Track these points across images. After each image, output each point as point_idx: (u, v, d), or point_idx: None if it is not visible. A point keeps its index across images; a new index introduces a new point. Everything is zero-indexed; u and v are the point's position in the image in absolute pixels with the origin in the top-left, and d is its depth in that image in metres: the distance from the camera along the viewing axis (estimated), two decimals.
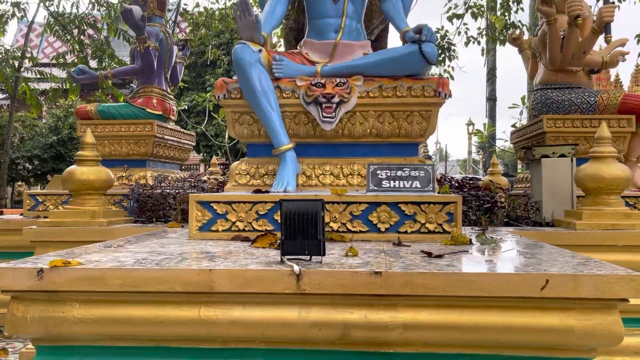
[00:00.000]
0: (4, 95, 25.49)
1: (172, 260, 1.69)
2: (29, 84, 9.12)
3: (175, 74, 4.79)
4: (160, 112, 4.44)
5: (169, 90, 4.62)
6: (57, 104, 24.73)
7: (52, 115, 23.87)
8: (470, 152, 24.10)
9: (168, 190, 3.89)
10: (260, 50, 2.62)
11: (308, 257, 1.66)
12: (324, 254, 1.63)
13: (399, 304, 1.52)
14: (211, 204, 2.33)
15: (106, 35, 9.96)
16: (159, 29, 4.45)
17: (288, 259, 1.64)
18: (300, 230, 1.61)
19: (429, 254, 1.78)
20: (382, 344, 1.54)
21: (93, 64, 10.22)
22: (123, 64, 9.81)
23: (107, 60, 9.85)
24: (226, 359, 1.60)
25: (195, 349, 1.61)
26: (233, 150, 14.83)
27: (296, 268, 1.51)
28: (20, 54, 8.81)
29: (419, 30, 2.58)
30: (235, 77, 2.70)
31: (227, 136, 10.16)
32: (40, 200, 4.18)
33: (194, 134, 5.15)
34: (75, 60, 9.97)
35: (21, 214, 4.31)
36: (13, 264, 1.61)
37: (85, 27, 9.59)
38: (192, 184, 3.88)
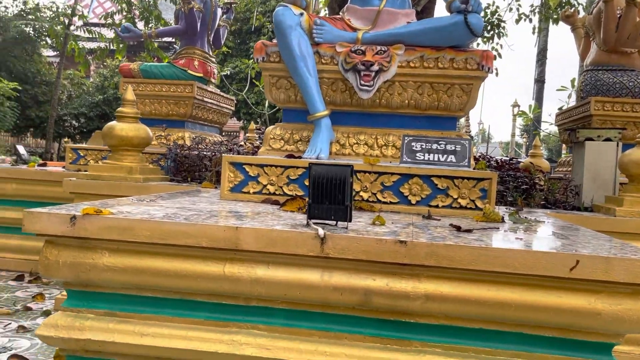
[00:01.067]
0: (55, 53, 26.17)
1: (200, 217, 1.72)
2: (78, 42, 9.32)
3: (218, 37, 4.80)
4: (201, 74, 4.46)
5: (211, 53, 4.64)
6: (104, 63, 25.26)
7: (99, 74, 24.39)
8: (513, 135, 23.49)
9: (205, 152, 3.94)
10: (301, 14, 2.58)
11: (334, 223, 1.65)
12: (350, 220, 1.62)
13: (422, 275, 1.51)
14: (243, 166, 2.35)
15: None
16: None
17: (314, 223, 1.64)
18: (328, 194, 1.60)
19: (458, 228, 1.75)
20: (402, 313, 1.54)
21: (140, 24, 10.33)
22: (169, 25, 9.89)
23: (153, 21, 9.94)
24: (247, 316, 1.63)
25: (218, 304, 1.64)
26: (273, 119, 14.87)
27: (321, 231, 1.51)
28: (70, 12, 8.97)
29: (466, 0, 2.49)
30: (275, 41, 2.68)
31: (267, 104, 10.17)
32: (81, 154, 4.30)
33: (234, 98, 5.17)
34: (124, 20, 10.11)
35: (63, 167, 4.45)
36: (48, 210, 1.66)
37: None
38: (229, 147, 3.91)
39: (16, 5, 23.47)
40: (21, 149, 4.97)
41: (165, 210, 1.82)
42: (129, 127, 3.23)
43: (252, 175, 2.34)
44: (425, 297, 1.49)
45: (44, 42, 22.84)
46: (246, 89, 11.36)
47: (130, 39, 4.51)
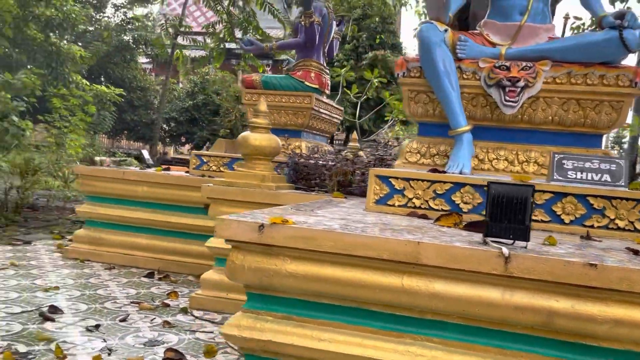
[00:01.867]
0: (147, 60, 27.59)
1: (374, 229, 1.79)
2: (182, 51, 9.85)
3: (331, 49, 4.93)
4: (317, 86, 4.60)
5: (325, 65, 4.77)
6: (195, 70, 26.40)
7: (189, 81, 25.52)
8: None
9: (321, 162, 4.06)
10: (445, 30, 2.62)
11: (510, 242, 1.67)
12: (528, 240, 1.63)
13: (610, 299, 1.49)
14: (389, 179, 2.41)
15: (252, 8, 10.41)
16: (322, 4, 4.59)
17: (492, 241, 1.66)
18: (507, 214, 1.62)
19: (635, 252, 1.72)
20: (586, 337, 1.53)
21: (238, 34, 10.76)
22: (266, 36, 10.22)
23: (252, 31, 10.32)
24: (421, 328, 1.68)
25: (392, 314, 1.70)
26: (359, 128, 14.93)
27: (505, 250, 1.54)
28: (178, 22, 9.50)
29: (621, 15, 2.43)
30: (414, 56, 2.73)
31: (357, 114, 10.25)
32: (204, 160, 4.55)
33: (342, 108, 5.28)
34: (223, 30, 10.58)
35: (187, 172, 4.72)
36: (236, 217, 1.79)
37: None
38: (347, 158, 4.00)
39: (117, 16, 25.09)
40: (145, 154, 5.32)
41: (335, 222, 1.91)
42: (262, 137, 3.39)
43: (398, 188, 2.40)
44: (614, 321, 1.47)
45: (141, 50, 24.22)
46: (337, 97, 11.45)
47: (252, 51, 4.73)
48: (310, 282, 1.72)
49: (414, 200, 2.37)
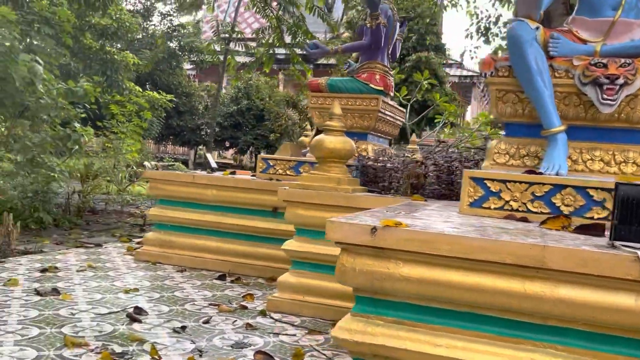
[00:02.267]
0: (191, 67, 28.10)
1: (486, 232, 1.74)
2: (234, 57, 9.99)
3: (394, 51, 4.89)
4: (382, 88, 4.57)
5: (389, 67, 4.73)
6: (243, 76, 26.80)
7: (233, 86, 25.89)
8: None
9: (389, 164, 4.02)
10: (537, 28, 2.55)
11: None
12: None
13: None
14: (484, 181, 2.35)
15: (302, 12, 10.47)
16: (388, 6, 4.56)
17: (622, 245, 1.59)
18: (637, 216, 1.55)
19: None
20: None
21: (287, 39, 10.83)
22: (316, 39, 10.25)
23: (301, 36, 10.37)
24: (543, 335, 1.62)
25: (510, 320, 1.65)
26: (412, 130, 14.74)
27: None
28: (230, 28, 9.64)
29: None
30: (502, 55, 2.67)
31: (406, 116, 10.15)
32: (271, 164, 4.58)
33: (404, 110, 5.23)
34: (272, 35, 10.68)
35: (253, 175, 4.76)
36: (345, 220, 1.78)
37: (285, 3, 10.16)
38: (417, 161, 3.95)
39: (164, 24, 25.70)
40: (210, 158, 5.39)
41: (441, 224, 1.87)
42: (337, 140, 3.38)
43: (494, 190, 2.34)
44: None
45: (186, 57, 24.72)
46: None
47: (318, 54, 4.74)
48: (425, 286, 1.69)
49: (511, 202, 2.31)
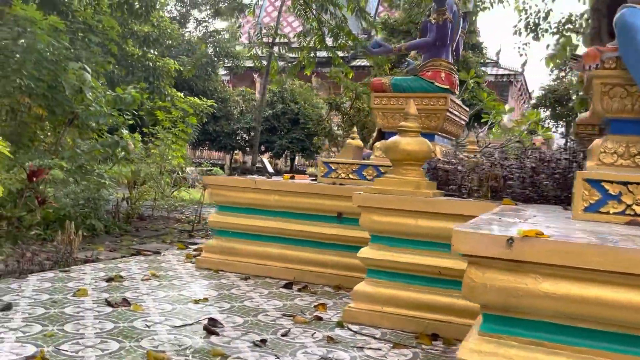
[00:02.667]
0: (225, 72, 28.29)
1: (635, 242, 1.54)
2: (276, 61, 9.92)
3: (458, 48, 4.69)
4: (448, 86, 4.37)
5: (454, 64, 4.53)
6: (272, 80, 26.79)
7: (268, 90, 25.92)
8: None
9: (459, 166, 3.83)
10: None
11: None
12: None
13: None
14: (602, 183, 2.15)
15: (344, 14, 10.31)
16: (453, 1, 4.37)
17: None
18: None
19: None
20: None
21: (329, 41, 10.68)
22: (359, 41, 10.08)
23: (343, 38, 10.21)
24: None
25: None
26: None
27: None
28: (274, 32, 9.56)
29: None
30: (609, 46, 2.45)
31: None
32: (332, 168, 4.43)
33: (468, 109, 5.02)
34: (314, 38, 10.56)
35: (314, 179, 4.62)
36: (473, 229, 1.60)
37: (328, 5, 10.02)
38: (494, 162, 3.74)
39: (199, 30, 25.94)
40: (266, 163, 5.28)
41: (576, 233, 1.68)
42: (414, 141, 3.21)
43: (613, 193, 2.13)
44: None
45: (221, 62, 24.88)
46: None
47: (380, 53, 4.58)
48: (569, 303, 1.50)
49: (634, 206, 2.09)
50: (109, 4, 10.92)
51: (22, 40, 6.45)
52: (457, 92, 4.60)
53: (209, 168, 14.61)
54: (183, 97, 12.84)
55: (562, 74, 23.06)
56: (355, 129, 8.81)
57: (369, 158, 4.83)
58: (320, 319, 3.20)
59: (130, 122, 8.21)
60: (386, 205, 3.14)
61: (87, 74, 7.03)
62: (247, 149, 26.18)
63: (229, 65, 25.12)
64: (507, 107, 10.43)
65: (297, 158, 26.05)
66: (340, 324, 3.10)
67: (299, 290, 3.86)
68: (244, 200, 4.36)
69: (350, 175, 4.35)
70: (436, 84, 4.35)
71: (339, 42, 10.54)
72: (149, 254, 4.92)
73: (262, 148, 25.51)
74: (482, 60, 23.29)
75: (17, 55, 6.27)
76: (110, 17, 9.99)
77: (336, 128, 10.16)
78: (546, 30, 9.63)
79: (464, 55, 21.04)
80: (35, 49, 6.21)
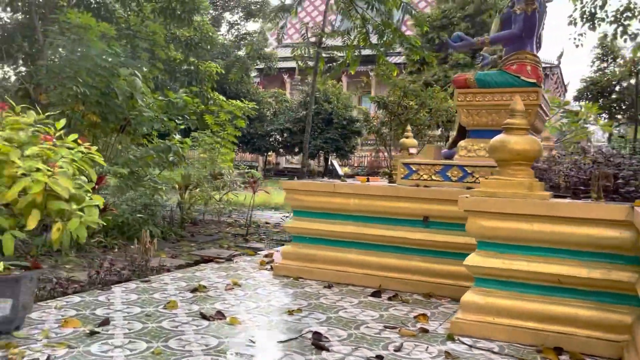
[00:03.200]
0: (255, 74, 28.29)
1: None
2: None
3: (540, 39, 4.44)
4: (534, 80, 4.13)
5: (539, 56, 4.29)
6: (306, 81, 26.75)
7: (301, 91, 25.88)
8: None
9: (558, 166, 3.61)
10: None
11: None
12: None
13: None
14: None
15: (389, 9, 10.07)
16: None
17: None
18: None
19: None
20: None
21: (374, 39, 10.46)
22: (406, 38, 9.82)
23: (389, 35, 9.97)
24: None
25: None
26: None
27: None
28: (321, 31, 9.41)
29: None
30: None
31: None
32: (413, 169, 4.23)
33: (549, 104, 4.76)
34: (358, 36, 10.35)
35: (390, 182, 4.43)
36: None
37: (373, 1, 9.80)
38: (595, 161, 3.50)
39: (232, 33, 26.00)
40: (337, 165, 5.12)
41: None
42: (523, 140, 2.99)
43: None
44: None
45: (254, 64, 24.87)
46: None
47: (463, 47, 4.36)
48: None
49: None
50: (151, 10, 10.94)
51: (78, 48, 6.43)
52: (543, 86, 4.35)
53: (247, 170, 14.55)
54: (225, 100, 12.81)
55: (604, 65, 22.39)
56: (409, 127, 8.60)
57: (447, 158, 4.62)
58: (426, 331, 3.01)
59: (182, 126, 8.17)
60: (498, 209, 2.93)
61: (137, 80, 6.99)
62: (281, 150, 26.13)
63: (260, 67, 25.09)
64: (562, 100, 10.06)
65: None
66: (450, 337, 2.90)
67: (389, 299, 3.67)
68: (322, 204, 4.20)
69: (433, 177, 4.15)
70: (522, 78, 4.11)
71: (384, 39, 10.30)
72: (221, 261, 4.80)
73: (296, 149, 25.45)
74: None
75: (73, 63, 6.26)
76: (154, 23, 9.99)
77: (382, 126, 9.94)
78: (603, 20, 9.24)
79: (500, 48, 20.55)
80: (89, 56, 6.18)
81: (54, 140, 2.56)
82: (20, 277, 2.54)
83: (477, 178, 3.98)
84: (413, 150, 7.69)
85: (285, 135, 24.87)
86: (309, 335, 2.82)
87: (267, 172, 25.00)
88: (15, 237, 2.44)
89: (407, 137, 8.06)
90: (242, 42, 24.50)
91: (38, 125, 2.77)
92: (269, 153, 27.46)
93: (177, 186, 8.45)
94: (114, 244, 5.57)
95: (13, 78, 10.95)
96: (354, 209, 4.10)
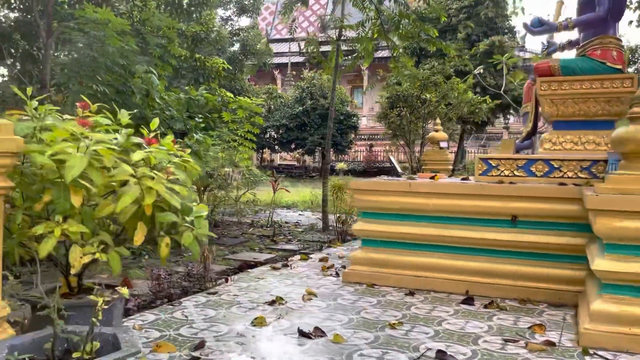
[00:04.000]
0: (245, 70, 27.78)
1: None
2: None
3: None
4: (620, 66, 3.86)
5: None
6: (301, 76, 26.34)
7: (297, 87, 25.48)
8: None
9: None
10: None
11: None
12: None
13: None
14: None
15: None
16: None
17: None
18: None
19: None
20: None
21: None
22: (424, 28, 9.52)
23: (407, 25, 9.63)
24: None
25: None
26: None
27: None
28: (340, 24, 9.06)
29: None
30: None
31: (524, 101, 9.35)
32: (493, 164, 3.93)
33: None
34: (372, 28, 10.01)
35: (463, 179, 4.13)
36: None
37: None
38: None
39: (225, 28, 25.47)
40: (395, 162, 4.80)
41: None
42: None
43: None
44: None
45: (248, 60, 24.39)
46: (503, 87, 10.51)
47: (543, 31, 4.05)
48: None
49: None
50: (156, 5, 10.51)
51: (94, 45, 6.03)
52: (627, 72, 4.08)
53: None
54: (233, 97, 12.41)
55: None
56: (438, 120, 8.29)
57: (519, 151, 4.35)
58: (552, 344, 2.71)
59: (202, 125, 7.79)
60: (632, 208, 2.64)
61: (154, 77, 6.61)
62: (277, 147, 25.69)
63: (253, 62, 24.59)
64: None
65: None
66: (586, 351, 2.61)
67: (485, 307, 3.36)
68: (395, 205, 3.88)
69: (516, 172, 3.85)
70: (608, 64, 3.84)
71: (401, 30, 9.97)
72: (277, 267, 4.46)
73: (293, 145, 25.07)
74: (517, 45, 22.57)
75: (91, 61, 5.87)
76: (161, 17, 9.58)
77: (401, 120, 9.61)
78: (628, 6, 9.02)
79: (501, 40, 20.41)
80: (108, 52, 5.80)
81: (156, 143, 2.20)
82: (114, 302, 2.18)
83: (565, 172, 3.70)
84: (443, 144, 7.41)
85: (281, 131, 24.48)
86: (429, 354, 2.52)
87: (263, 169, 24.59)
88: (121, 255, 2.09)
89: (436, 131, 7.76)
90: (234, 38, 23.98)
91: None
92: (264, 150, 27.06)
93: (194, 187, 8.07)
94: (148, 250, 5.22)
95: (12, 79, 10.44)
96: (433, 209, 3.79)
